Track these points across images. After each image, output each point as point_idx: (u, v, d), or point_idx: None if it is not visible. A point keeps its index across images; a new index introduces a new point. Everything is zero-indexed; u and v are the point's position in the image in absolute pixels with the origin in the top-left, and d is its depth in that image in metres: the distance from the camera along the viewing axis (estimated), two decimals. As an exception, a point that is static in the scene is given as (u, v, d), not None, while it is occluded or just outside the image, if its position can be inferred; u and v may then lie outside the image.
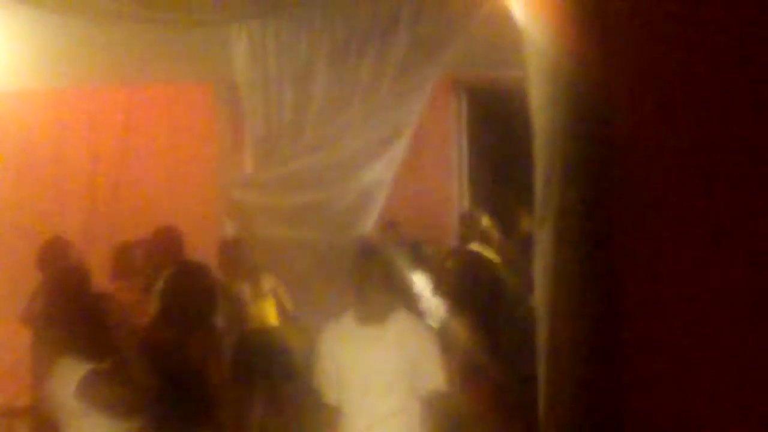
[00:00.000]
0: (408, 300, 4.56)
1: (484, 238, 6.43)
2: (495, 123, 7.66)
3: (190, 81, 6.89)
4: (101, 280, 5.60)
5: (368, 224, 5.34)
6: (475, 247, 6.07)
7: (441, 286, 4.77)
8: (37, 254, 5.74)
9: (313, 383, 3.96)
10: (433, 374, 3.81)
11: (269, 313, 5.70)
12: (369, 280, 3.84)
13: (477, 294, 4.38)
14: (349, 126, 5.23)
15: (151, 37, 5.48)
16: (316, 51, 5.19)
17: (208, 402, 3.95)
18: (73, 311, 3.96)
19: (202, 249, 5.72)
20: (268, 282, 5.70)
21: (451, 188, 8.10)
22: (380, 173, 5.32)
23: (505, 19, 3.65)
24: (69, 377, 3.71)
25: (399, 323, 3.87)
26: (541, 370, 3.16)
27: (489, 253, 5.86)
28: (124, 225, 7.04)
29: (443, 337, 4.10)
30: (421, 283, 5.17)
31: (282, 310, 5.70)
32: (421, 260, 5.60)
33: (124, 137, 7.57)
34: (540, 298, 3.22)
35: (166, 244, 5.51)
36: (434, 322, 4.60)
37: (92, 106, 7.44)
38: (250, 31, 5.17)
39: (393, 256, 4.19)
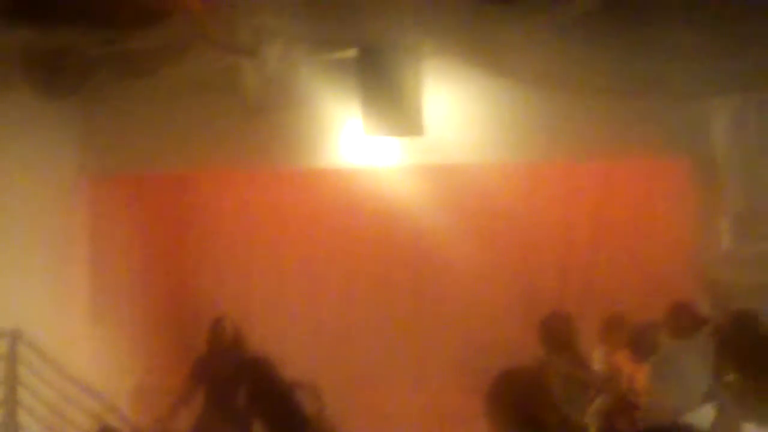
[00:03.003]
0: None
1: None
2: None
3: (667, 155, 6.83)
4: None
5: None
6: None
7: None
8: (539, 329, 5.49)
9: None
10: None
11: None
12: None
13: None
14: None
15: (628, 111, 5.61)
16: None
17: None
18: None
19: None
20: None
21: None
22: None
23: None
24: None
25: None
26: None
27: None
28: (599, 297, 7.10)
29: None
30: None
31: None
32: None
33: (598, 212, 7.54)
34: None
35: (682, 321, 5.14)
36: None
37: (566, 181, 7.66)
38: (731, 105, 5.06)
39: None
